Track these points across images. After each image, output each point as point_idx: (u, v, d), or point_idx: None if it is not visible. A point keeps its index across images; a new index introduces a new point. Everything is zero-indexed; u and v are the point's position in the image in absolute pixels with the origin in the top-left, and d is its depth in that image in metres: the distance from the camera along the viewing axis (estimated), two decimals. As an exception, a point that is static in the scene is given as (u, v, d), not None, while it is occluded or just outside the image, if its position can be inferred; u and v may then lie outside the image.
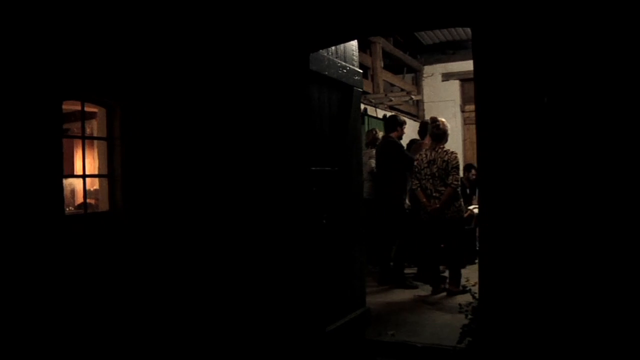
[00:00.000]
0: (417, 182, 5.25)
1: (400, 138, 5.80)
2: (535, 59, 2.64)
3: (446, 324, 4.19)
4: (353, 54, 3.79)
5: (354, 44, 3.82)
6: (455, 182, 5.03)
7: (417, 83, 10.75)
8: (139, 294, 3.12)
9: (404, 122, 5.85)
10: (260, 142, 3.20)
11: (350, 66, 3.70)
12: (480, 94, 2.87)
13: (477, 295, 3.30)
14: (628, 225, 2.49)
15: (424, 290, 5.42)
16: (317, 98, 3.32)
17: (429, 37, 9.69)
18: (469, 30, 9.27)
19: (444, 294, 5.21)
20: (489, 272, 2.96)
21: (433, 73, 10.79)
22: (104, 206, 3.25)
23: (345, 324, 3.48)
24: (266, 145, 3.18)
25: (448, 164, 5.04)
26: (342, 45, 3.61)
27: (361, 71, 3.87)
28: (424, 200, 5.15)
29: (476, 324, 3.29)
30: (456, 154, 5.18)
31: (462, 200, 5.28)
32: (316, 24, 3.03)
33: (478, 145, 3.00)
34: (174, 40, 3.34)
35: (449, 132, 5.33)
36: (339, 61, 3.54)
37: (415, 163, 5.32)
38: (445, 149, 5.15)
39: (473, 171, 6.95)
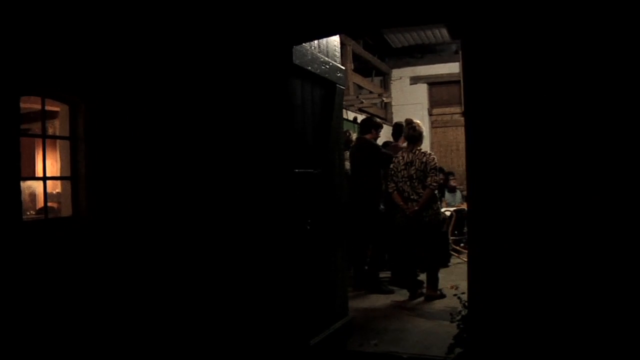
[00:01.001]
0: (393, 184, 5.13)
1: (375, 141, 5.68)
2: (525, 58, 2.55)
3: (430, 331, 4.06)
4: (335, 50, 3.62)
5: (335, 39, 3.65)
6: (435, 184, 4.94)
7: (386, 86, 10.73)
8: (104, 305, 2.84)
9: (381, 126, 5.74)
10: (241, 141, 2.97)
11: (333, 62, 3.53)
12: (469, 93, 2.75)
13: (467, 303, 3.18)
14: (628, 231, 2.41)
15: (401, 295, 5.29)
16: (300, 94, 3.12)
17: (398, 40, 9.66)
18: (438, 33, 9.40)
19: (422, 298, 5.10)
20: (480, 278, 2.84)
21: (401, 76, 10.81)
22: (66, 211, 2.96)
23: (330, 336, 3.29)
24: (247, 145, 2.96)
25: (427, 166, 4.94)
26: (324, 40, 3.43)
27: (343, 68, 3.70)
28: (401, 203, 5.03)
29: (467, 334, 3.17)
30: (434, 155, 5.09)
31: (439, 202, 5.20)
32: (302, 14, 2.84)
33: (467, 145, 2.89)
34: (146, 31, 3.08)
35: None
36: (322, 56, 3.36)
37: (392, 166, 5.19)
38: (422, 151, 5.05)
39: (441, 175, 6.94)
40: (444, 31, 9.27)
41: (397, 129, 6.15)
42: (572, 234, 2.51)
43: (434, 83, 10.71)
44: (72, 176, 2.97)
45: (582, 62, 2.45)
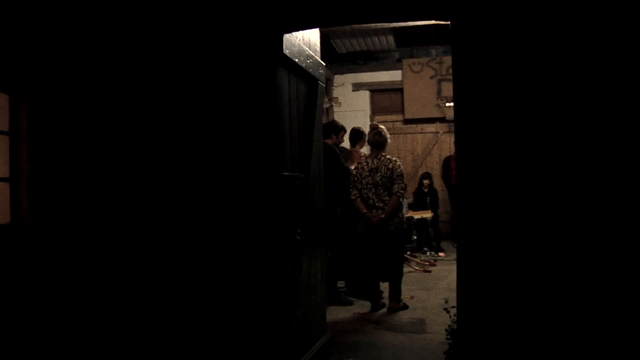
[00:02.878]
0: (356, 191, 4.90)
1: (337, 145, 5.43)
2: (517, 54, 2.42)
3: (404, 346, 3.85)
4: (317, 44, 3.33)
5: (316, 33, 3.35)
6: (402, 191, 4.77)
7: (328, 92, 10.57)
8: (46, 327, 2.37)
9: (342, 130, 5.48)
10: (223, 140, 2.59)
11: (315, 57, 3.23)
12: (459, 90, 2.57)
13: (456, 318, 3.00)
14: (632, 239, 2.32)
15: (361, 306, 5.07)
16: (288, 89, 2.80)
17: (343, 45, 9.54)
18: (384, 40, 9.35)
19: (384, 310, 4.91)
20: (470, 291, 2.64)
21: (344, 82, 10.70)
22: (4, 218, 2.44)
23: (314, 356, 2.96)
24: (230, 144, 2.58)
25: (393, 172, 4.77)
26: (307, 32, 3.13)
27: (324, 64, 3.42)
28: (365, 211, 4.81)
29: (456, 350, 2.98)
30: (400, 162, 4.92)
31: (404, 210, 5.04)
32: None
33: (457, 147, 2.72)
34: (107, 9, 2.63)
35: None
36: (307, 49, 3.05)
37: (355, 172, 4.97)
38: (388, 157, 4.88)
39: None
40: (390, 38, 9.27)
41: (354, 134, 5.94)
42: (570, 245, 2.40)
43: (376, 90, 10.70)
44: (10, 177, 2.47)
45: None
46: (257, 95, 2.56)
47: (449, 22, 2.60)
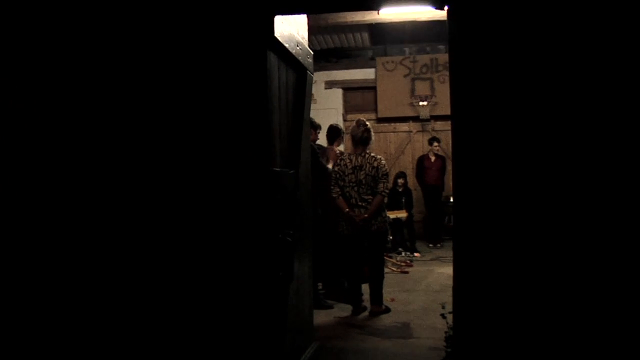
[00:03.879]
0: (338, 189, 4.69)
1: (313, 143, 5.20)
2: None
3: (392, 353, 3.65)
4: (305, 31, 3.10)
5: (304, 20, 3.12)
6: (386, 190, 4.59)
7: (301, 89, 10.35)
8: None
9: (319, 127, 5.27)
10: (207, 130, 2.32)
11: (304, 44, 3.00)
12: (456, 82, 2.39)
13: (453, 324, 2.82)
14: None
15: (341, 310, 4.86)
16: (278, 77, 2.55)
17: (318, 42, 9.34)
18: (359, 37, 9.18)
19: (366, 313, 4.72)
20: (467, 296, 2.44)
21: (316, 80, 10.47)
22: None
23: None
24: (216, 135, 2.32)
25: (378, 171, 4.58)
26: (296, 18, 2.89)
27: (312, 52, 3.19)
28: (347, 210, 4.61)
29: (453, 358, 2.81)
30: (384, 160, 4.74)
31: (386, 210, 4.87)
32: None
33: (453, 143, 2.53)
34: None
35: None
36: (296, 35, 2.82)
37: (337, 169, 4.75)
38: (372, 155, 4.68)
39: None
40: (365, 35, 9.13)
41: (332, 132, 5.74)
42: (571, 246, 2.25)
43: (349, 88, 10.54)
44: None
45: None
46: (246, 81, 2.30)
47: (444, 9, 2.42)
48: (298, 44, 2.84)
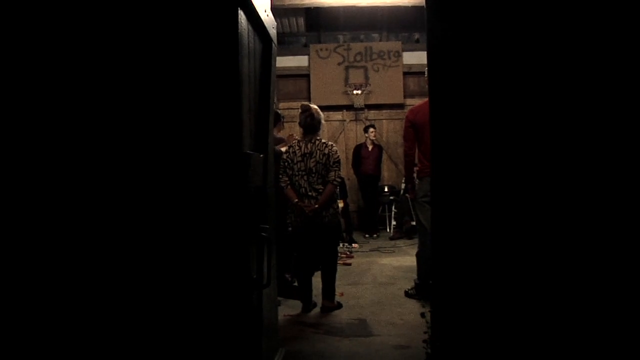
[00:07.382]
0: (287, 178, 4.36)
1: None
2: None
3: (355, 354, 3.40)
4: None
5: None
6: (338, 179, 4.32)
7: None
8: None
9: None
10: (166, 104, 1.90)
11: (270, 13, 2.63)
12: (433, 58, 2.18)
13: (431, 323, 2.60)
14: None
15: (290, 307, 4.57)
16: (247, 43, 2.17)
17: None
18: (294, 21, 8.82)
19: (317, 310, 4.45)
20: (447, 291, 2.24)
21: (247, 65, 10.03)
22: None
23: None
24: (176, 110, 1.90)
25: (329, 158, 4.30)
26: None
27: (276, 23, 2.82)
28: (296, 200, 4.29)
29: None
30: (336, 147, 4.47)
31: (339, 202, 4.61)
32: None
33: (432, 134, 2.32)
34: None
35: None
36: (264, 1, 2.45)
37: (285, 156, 4.42)
38: (323, 141, 4.40)
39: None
40: (301, 20, 8.81)
41: (277, 118, 5.40)
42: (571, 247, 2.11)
43: (281, 76, 10.15)
44: None
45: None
46: (214, 43, 1.90)
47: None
48: (265, 9, 2.47)
